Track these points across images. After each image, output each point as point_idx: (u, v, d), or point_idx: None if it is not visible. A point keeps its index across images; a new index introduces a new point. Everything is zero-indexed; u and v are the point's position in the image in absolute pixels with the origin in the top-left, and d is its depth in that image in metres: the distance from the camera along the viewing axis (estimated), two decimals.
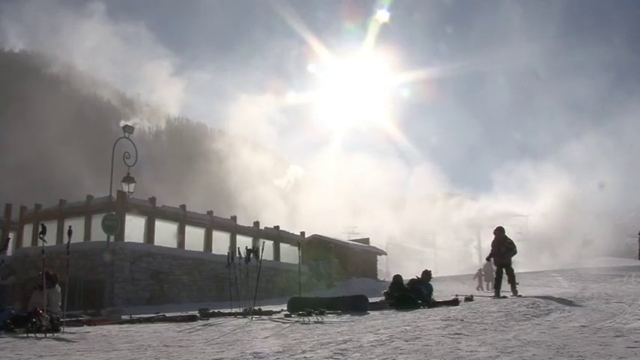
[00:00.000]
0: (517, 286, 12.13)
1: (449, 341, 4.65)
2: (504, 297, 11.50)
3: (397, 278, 11.78)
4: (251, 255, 11.45)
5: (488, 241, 13.17)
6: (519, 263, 31.71)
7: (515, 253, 12.61)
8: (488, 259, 13.67)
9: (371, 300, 10.68)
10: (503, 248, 12.52)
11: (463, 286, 21.71)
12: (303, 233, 26.85)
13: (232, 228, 23.11)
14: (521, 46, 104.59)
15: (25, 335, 6.69)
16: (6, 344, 5.78)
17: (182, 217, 21.04)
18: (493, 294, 12.77)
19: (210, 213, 22.50)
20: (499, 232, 12.88)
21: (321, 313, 8.19)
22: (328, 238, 28.50)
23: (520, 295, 11.51)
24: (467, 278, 25.33)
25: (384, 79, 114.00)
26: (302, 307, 8.88)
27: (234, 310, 10.50)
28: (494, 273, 13.78)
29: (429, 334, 5.23)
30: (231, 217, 23.95)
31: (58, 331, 7.13)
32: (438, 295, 12.99)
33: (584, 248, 45.92)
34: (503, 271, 12.46)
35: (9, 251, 17.46)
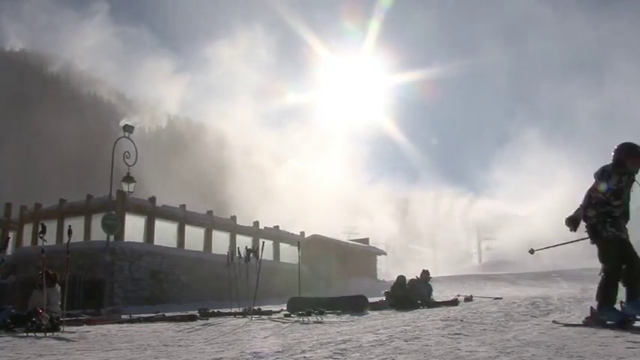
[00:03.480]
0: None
1: (448, 341, 4.65)
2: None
3: (400, 279, 11.81)
4: (251, 255, 11.48)
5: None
6: (519, 264, 31.80)
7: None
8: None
9: (370, 300, 10.70)
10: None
11: (463, 285, 21.69)
12: (302, 233, 26.87)
13: (232, 228, 23.14)
14: (521, 42, 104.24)
15: (25, 334, 6.70)
16: (6, 343, 5.78)
17: (182, 217, 21.06)
18: None
19: (209, 213, 22.52)
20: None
21: (321, 313, 8.20)
22: (328, 237, 28.52)
23: None
24: (466, 278, 25.33)
25: (384, 79, 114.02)
26: (301, 307, 8.90)
27: (233, 310, 10.53)
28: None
29: (428, 334, 5.23)
30: (231, 217, 24.00)
31: (57, 330, 7.13)
32: (437, 295, 13.00)
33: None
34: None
35: (9, 251, 17.47)
